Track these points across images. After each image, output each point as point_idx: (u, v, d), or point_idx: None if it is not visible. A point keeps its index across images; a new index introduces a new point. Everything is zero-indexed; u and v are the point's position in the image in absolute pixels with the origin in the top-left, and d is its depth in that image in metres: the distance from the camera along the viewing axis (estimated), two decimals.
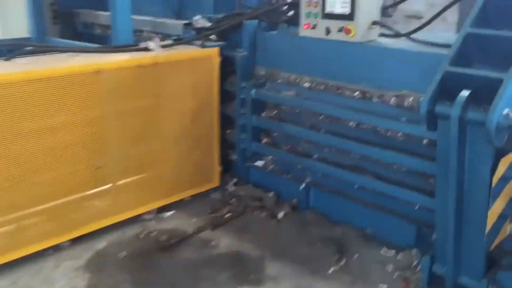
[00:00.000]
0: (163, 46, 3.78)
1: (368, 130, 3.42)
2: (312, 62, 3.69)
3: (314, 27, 3.61)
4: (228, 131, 4.34)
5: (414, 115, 3.06)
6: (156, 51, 3.70)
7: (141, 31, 4.80)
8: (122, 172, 3.56)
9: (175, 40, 4.08)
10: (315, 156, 3.80)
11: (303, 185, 3.84)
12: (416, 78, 3.11)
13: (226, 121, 4.27)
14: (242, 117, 4.11)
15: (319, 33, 3.58)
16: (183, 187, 4.01)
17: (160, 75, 3.63)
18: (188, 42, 4.03)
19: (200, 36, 4.04)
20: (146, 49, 3.71)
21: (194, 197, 4.10)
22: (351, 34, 3.42)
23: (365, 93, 3.41)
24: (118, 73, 3.38)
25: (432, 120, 2.65)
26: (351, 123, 3.49)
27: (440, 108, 2.60)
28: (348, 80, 3.49)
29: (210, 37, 4.13)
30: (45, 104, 3.07)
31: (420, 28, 3.52)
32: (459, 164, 2.59)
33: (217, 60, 3.97)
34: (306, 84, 3.72)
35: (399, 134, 3.26)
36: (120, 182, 3.58)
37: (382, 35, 3.62)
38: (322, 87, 3.64)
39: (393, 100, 3.26)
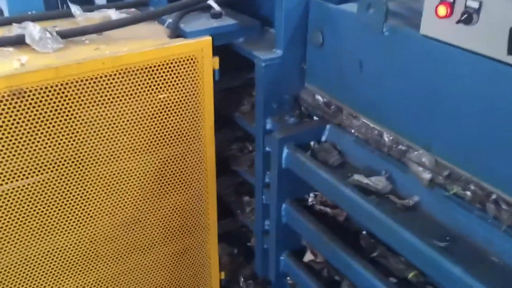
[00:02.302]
0: (69, 35, 1.52)
1: None
2: (450, 118, 1.26)
3: (467, 19, 1.13)
4: (246, 198, 2.11)
5: None
6: (43, 51, 1.47)
7: None
8: None
9: (125, 8, 1.79)
10: None
11: None
12: None
13: (239, 182, 2.04)
14: (265, 193, 1.82)
15: (483, 41, 1.11)
16: None
17: (46, 114, 1.43)
18: (152, 17, 1.71)
19: (177, 4, 1.69)
20: (20, 43, 1.50)
21: None
22: None
23: None
24: None
25: None
26: None
27: None
28: None
29: (213, 9, 1.77)
30: None
31: None
32: None
33: (209, 65, 1.65)
34: (425, 175, 1.32)
35: None
36: None
37: None
38: (469, 196, 1.23)
39: None
